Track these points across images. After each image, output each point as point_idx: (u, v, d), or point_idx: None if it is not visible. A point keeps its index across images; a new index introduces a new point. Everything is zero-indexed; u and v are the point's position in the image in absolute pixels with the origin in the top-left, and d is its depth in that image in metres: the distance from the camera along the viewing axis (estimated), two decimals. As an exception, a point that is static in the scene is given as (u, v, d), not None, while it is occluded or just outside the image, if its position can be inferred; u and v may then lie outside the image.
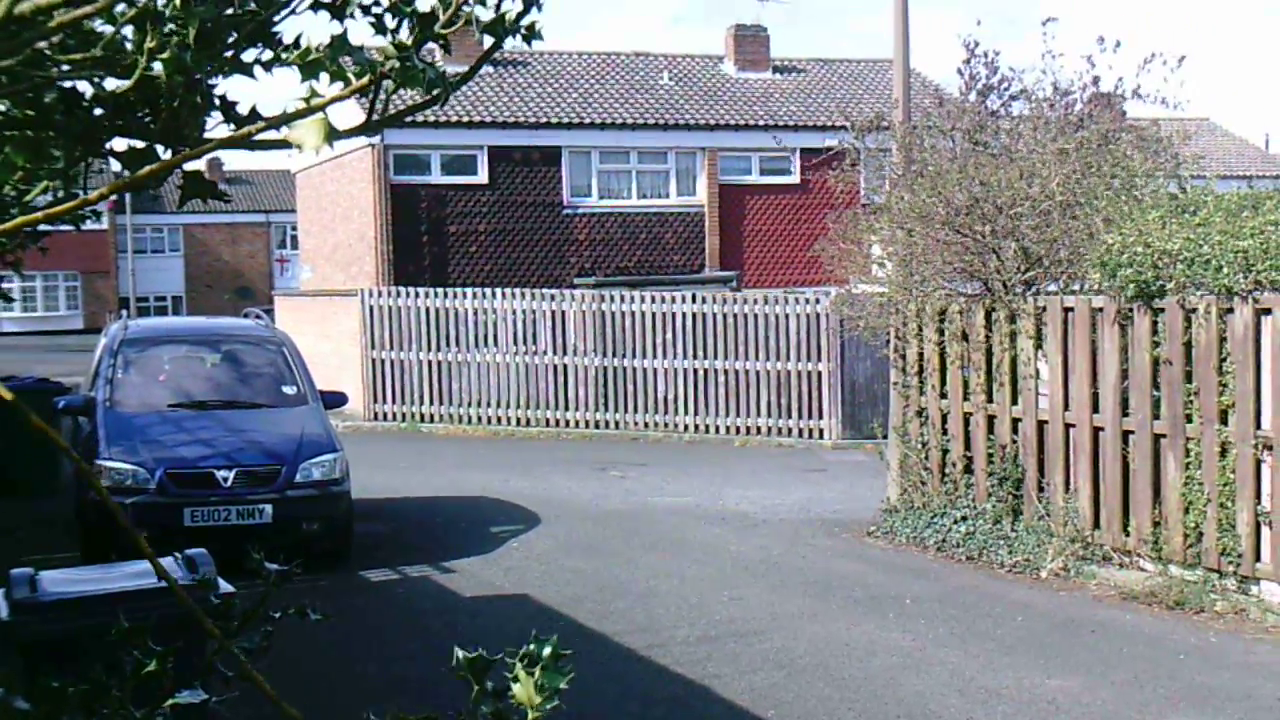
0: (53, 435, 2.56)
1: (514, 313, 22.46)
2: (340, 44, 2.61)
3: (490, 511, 14.50)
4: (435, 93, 2.77)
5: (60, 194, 3.44)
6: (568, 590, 10.81)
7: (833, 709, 7.86)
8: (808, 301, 20.79)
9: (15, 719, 2.61)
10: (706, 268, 29.36)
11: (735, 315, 21.12)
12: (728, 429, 20.92)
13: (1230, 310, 10.02)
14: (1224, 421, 10.09)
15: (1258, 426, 9.83)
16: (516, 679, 2.09)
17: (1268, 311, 9.77)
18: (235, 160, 63.58)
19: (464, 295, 22.92)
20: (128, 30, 2.67)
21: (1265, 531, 9.79)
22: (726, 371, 21.09)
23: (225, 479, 11.53)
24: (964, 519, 12.24)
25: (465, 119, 27.70)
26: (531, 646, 2.11)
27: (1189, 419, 10.35)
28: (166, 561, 6.58)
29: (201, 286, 62.55)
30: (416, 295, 23.10)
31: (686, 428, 21.27)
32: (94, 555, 10.52)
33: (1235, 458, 9.95)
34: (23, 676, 5.99)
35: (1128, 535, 10.94)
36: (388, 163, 27.21)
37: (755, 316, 20.99)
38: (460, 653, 2.11)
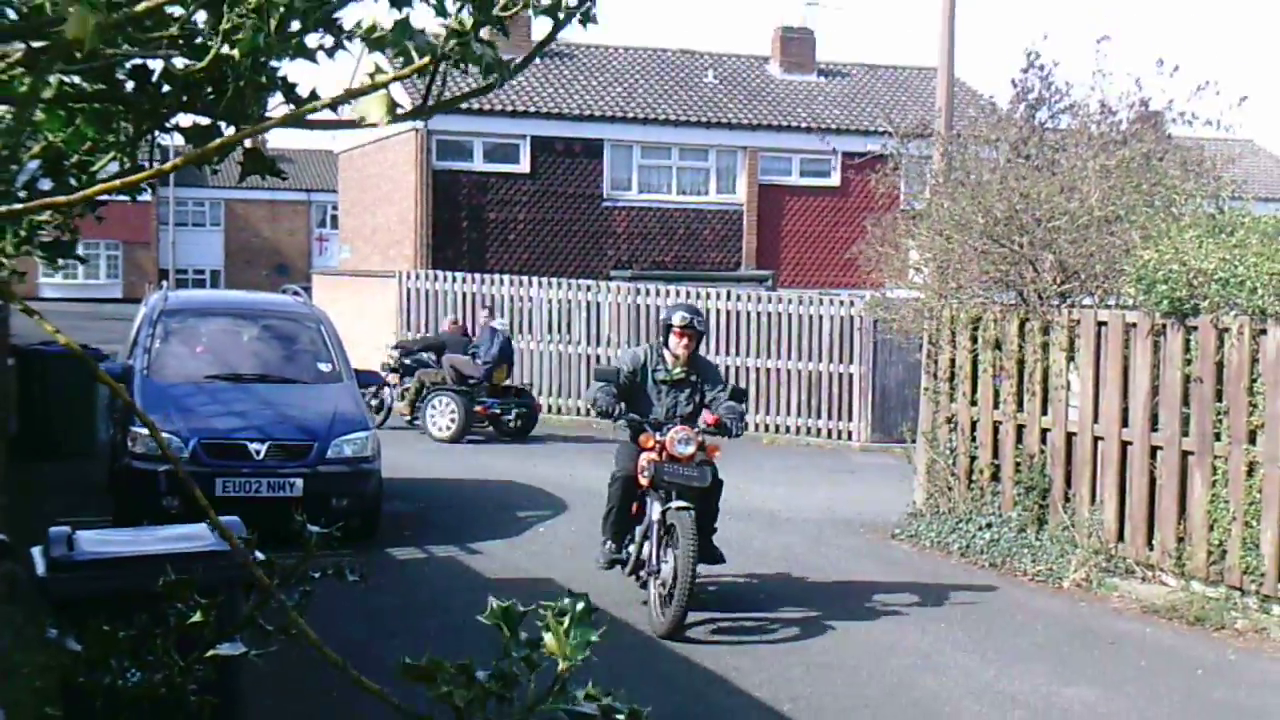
0: (126, 399, 2.68)
1: (549, 301, 22.56)
2: (402, 28, 2.72)
3: (518, 496, 14.62)
4: (492, 78, 2.87)
5: (126, 165, 3.55)
6: (595, 578, 10.89)
7: (848, 705, 7.95)
8: (842, 303, 20.84)
9: (67, 659, 2.73)
10: (743, 266, 29.42)
11: (769, 314, 21.18)
12: (757, 426, 20.96)
13: (1263, 331, 10.04)
14: (1252, 441, 10.11)
15: (1287, 448, 9.85)
16: (548, 629, 2.17)
17: (1301, 334, 9.79)
18: (278, 139, 63.82)
19: (500, 282, 23.05)
20: (200, 13, 2.79)
21: (1289, 552, 9.81)
22: (758, 370, 21.15)
23: (258, 451, 11.67)
24: (989, 526, 12.28)
25: (509, 108, 27.84)
26: (565, 601, 2.20)
27: (1217, 437, 10.38)
28: (198, 528, 6.70)
29: (240, 262, 62.90)
30: (453, 279, 23.24)
31: (715, 424, 21.30)
32: (126, 520, 10.67)
33: (1262, 478, 9.97)
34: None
35: (1151, 549, 10.97)
36: (430, 148, 27.38)
37: (789, 316, 21.05)
38: (494, 601, 2.20)
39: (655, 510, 9.58)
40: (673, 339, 10.09)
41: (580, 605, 2.21)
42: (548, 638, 2.16)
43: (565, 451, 18.48)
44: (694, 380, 10.19)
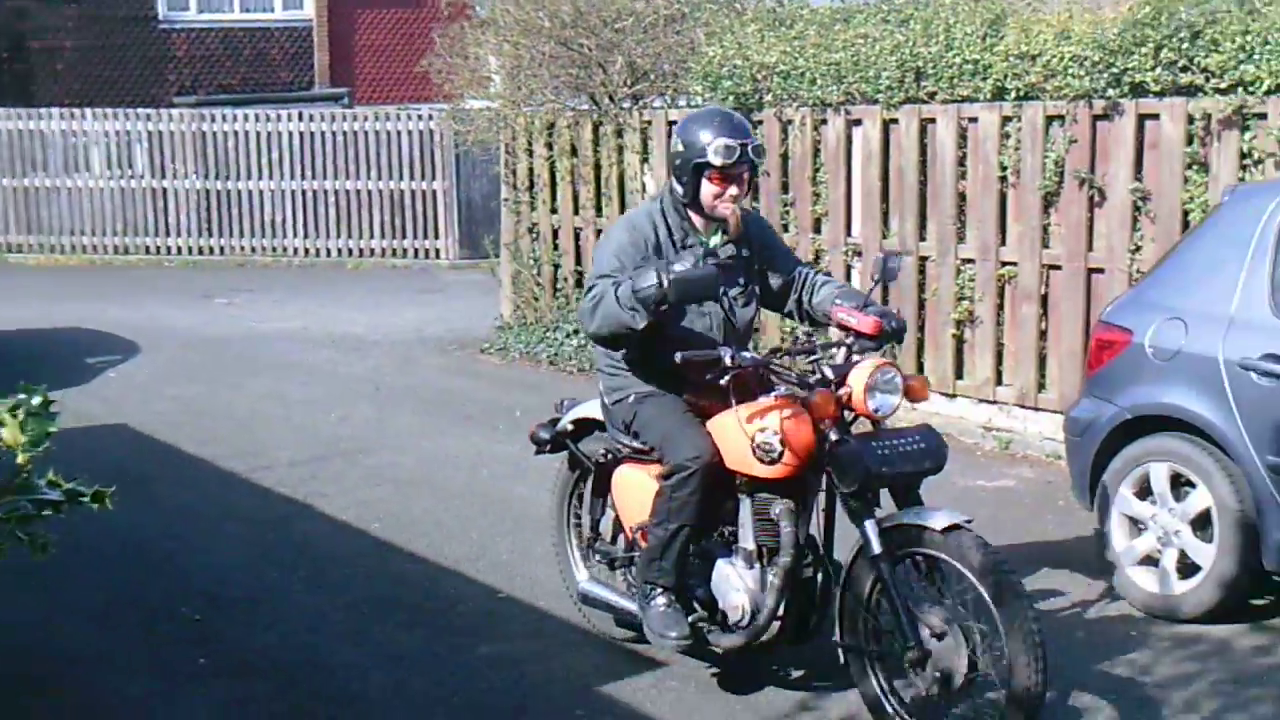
0: None
1: (108, 135, 21.13)
2: None
3: (86, 342, 13.74)
4: None
5: None
6: (169, 417, 10.39)
7: (438, 517, 7.90)
8: (421, 118, 20.37)
9: None
10: (316, 85, 28.36)
11: (345, 133, 20.49)
12: (340, 251, 20.44)
13: (824, 122, 10.36)
14: (817, 230, 10.50)
15: (848, 234, 10.30)
16: (2, 423, 2.19)
17: (858, 123, 10.15)
18: None
19: (51, 116, 21.39)
20: None
21: (853, 333, 10.29)
22: (338, 192, 20.49)
23: None
24: (576, 332, 12.35)
25: (44, -76, 25.57)
26: (21, 396, 2.24)
27: (785, 229, 10.70)
28: None
29: None
30: (-3, 116, 21.40)
31: (297, 251, 20.63)
32: None
33: (827, 264, 10.37)
34: None
35: (728, 341, 11.30)
36: (-43, -26, 24.92)
37: (366, 134, 20.43)
38: None
39: (871, 535, 4.77)
40: (708, 187, 5.16)
41: (37, 399, 2.21)
42: (3, 432, 2.09)
43: (137, 292, 17.50)
44: (746, 257, 5.42)
